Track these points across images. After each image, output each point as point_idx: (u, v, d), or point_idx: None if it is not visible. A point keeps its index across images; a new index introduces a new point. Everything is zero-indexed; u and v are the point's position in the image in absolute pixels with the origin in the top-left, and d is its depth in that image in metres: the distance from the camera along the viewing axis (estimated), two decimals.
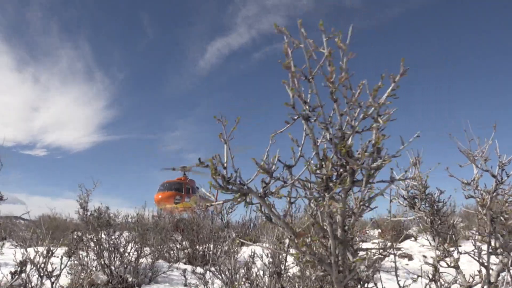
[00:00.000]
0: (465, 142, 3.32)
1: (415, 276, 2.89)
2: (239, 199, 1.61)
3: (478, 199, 2.85)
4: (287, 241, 4.47)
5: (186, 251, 9.17)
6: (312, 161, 1.78)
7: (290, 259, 4.57)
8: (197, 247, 9.05)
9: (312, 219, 1.83)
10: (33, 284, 3.75)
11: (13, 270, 3.45)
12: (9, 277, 3.52)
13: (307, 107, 1.75)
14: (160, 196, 19.26)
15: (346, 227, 1.72)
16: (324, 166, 1.71)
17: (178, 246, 9.25)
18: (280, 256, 4.34)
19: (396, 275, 2.59)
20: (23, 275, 3.50)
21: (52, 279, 4.04)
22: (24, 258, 3.53)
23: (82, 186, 7.31)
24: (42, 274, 3.73)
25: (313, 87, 1.77)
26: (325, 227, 1.76)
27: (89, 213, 7.57)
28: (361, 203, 1.73)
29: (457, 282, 2.90)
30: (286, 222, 1.76)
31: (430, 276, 2.70)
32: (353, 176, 1.67)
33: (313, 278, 4.02)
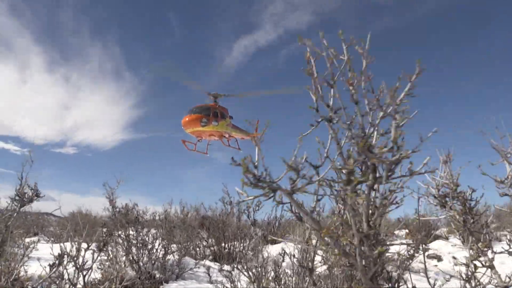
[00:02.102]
0: (497, 139, 3.24)
1: (447, 277, 2.84)
2: (269, 194, 1.69)
3: None
4: (314, 241, 4.46)
5: (212, 248, 9.26)
6: (336, 161, 1.87)
7: (317, 258, 4.54)
8: (223, 244, 9.12)
9: (339, 218, 1.90)
10: (69, 276, 3.88)
11: (51, 263, 3.58)
12: (47, 269, 3.65)
13: (330, 110, 1.87)
14: (187, 119, 19.01)
15: (371, 222, 1.79)
16: (346, 163, 1.80)
17: (204, 243, 9.35)
18: (308, 255, 4.33)
19: (427, 275, 2.56)
20: (60, 268, 3.62)
21: (84, 273, 4.16)
22: (61, 252, 3.66)
23: (106, 185, 7.48)
24: (78, 267, 3.85)
25: (335, 91, 1.91)
26: (349, 222, 1.84)
27: (117, 210, 7.73)
28: (383, 197, 1.82)
29: (492, 282, 2.83)
30: (313, 217, 1.83)
31: (464, 276, 2.65)
32: (374, 172, 1.75)
33: (341, 277, 4.00)
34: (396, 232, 14.06)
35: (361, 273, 1.80)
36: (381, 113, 1.82)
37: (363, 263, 1.79)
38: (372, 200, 1.83)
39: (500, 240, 10.43)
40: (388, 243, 1.88)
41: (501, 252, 2.89)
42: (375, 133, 1.86)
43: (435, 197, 3.27)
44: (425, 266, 2.53)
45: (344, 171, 1.77)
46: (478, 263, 2.74)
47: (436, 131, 1.90)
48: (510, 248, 2.78)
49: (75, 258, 3.89)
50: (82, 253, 4.13)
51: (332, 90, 1.92)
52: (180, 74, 21.78)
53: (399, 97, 1.80)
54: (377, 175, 1.77)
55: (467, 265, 2.64)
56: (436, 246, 10.67)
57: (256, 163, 1.68)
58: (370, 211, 1.82)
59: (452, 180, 3.22)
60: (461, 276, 2.67)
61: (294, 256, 4.47)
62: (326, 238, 1.82)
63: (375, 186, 1.83)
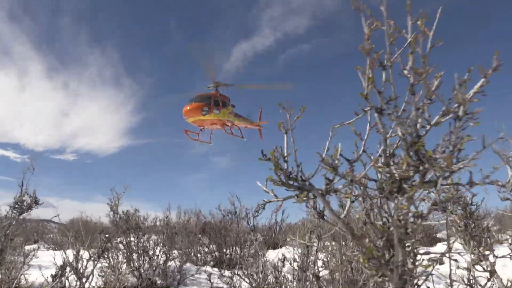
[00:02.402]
0: (499, 143, 3.23)
1: (448, 281, 2.83)
2: (303, 197, 1.49)
3: None
4: (314, 246, 4.44)
5: (213, 254, 9.23)
6: (379, 158, 1.63)
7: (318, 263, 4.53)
8: (224, 250, 9.09)
9: (366, 219, 1.71)
10: (70, 285, 3.86)
11: (53, 273, 3.57)
12: (49, 279, 3.63)
13: (381, 99, 1.58)
14: (188, 108, 18.59)
15: (410, 231, 1.58)
16: (392, 164, 1.57)
17: (206, 249, 9.32)
18: (309, 260, 4.32)
19: (432, 280, 2.54)
20: (62, 278, 3.61)
21: (84, 280, 4.15)
22: (64, 262, 3.65)
23: (113, 190, 7.45)
24: (80, 277, 3.84)
25: (390, 76, 1.62)
26: (380, 228, 1.63)
27: (118, 216, 7.71)
28: (433, 206, 1.59)
29: (494, 287, 2.81)
30: (346, 222, 1.63)
31: (465, 281, 2.64)
32: (424, 177, 1.54)
33: (343, 281, 3.98)
34: None
35: (395, 286, 1.58)
36: (443, 110, 1.55)
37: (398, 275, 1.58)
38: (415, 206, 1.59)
39: (501, 243, 10.41)
40: (425, 251, 1.67)
41: (502, 257, 2.88)
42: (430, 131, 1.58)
43: (436, 201, 3.26)
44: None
45: (393, 175, 1.54)
46: (479, 267, 2.74)
47: (502, 138, 1.69)
48: (511, 252, 2.77)
49: (75, 267, 3.88)
50: (84, 262, 4.12)
51: (385, 74, 1.63)
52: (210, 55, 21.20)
53: (469, 94, 1.51)
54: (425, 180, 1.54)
55: (468, 270, 2.63)
56: (437, 249, 10.63)
57: (286, 157, 1.51)
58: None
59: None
60: (463, 280, 2.66)
61: (294, 260, 4.45)
62: (360, 246, 1.59)
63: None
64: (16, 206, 5.37)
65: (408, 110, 1.61)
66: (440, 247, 10.56)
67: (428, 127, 1.57)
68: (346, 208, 1.71)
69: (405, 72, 1.60)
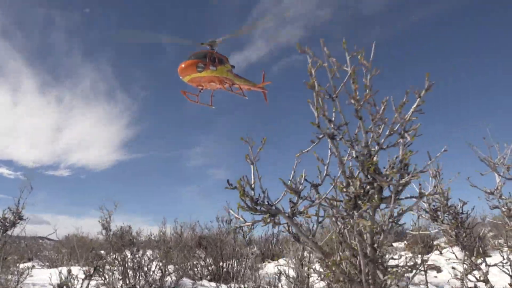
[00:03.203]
0: (485, 150, 3.23)
1: None
2: (268, 220, 1.59)
3: (504, 209, 2.77)
4: (310, 256, 4.42)
5: (209, 268, 9.15)
6: (338, 179, 1.77)
7: (314, 275, 4.50)
8: (221, 263, 9.02)
9: (339, 238, 1.80)
10: None
11: None
12: None
13: (332, 126, 1.75)
14: (182, 65, 17.54)
15: (376, 245, 1.68)
16: (351, 184, 1.69)
17: (202, 263, 9.24)
18: (303, 273, 4.30)
19: None
20: None
21: None
22: (60, 281, 3.60)
23: (103, 208, 7.40)
24: None
25: (338, 105, 1.78)
26: (353, 246, 1.73)
27: (111, 233, 7.65)
28: (390, 219, 1.70)
29: None
30: (315, 242, 1.73)
31: None
32: (381, 193, 1.66)
33: None
34: (395, 244, 13.98)
35: None
36: (388, 131, 1.73)
37: None
38: (376, 221, 1.71)
39: (497, 249, 10.38)
40: (394, 263, 1.76)
41: (494, 265, 2.87)
42: (380, 151, 1.75)
43: (426, 211, 3.25)
44: (426, 279, 2.52)
45: (349, 194, 1.68)
46: (472, 277, 2.73)
47: (446, 150, 1.83)
48: (503, 259, 2.77)
49: (70, 287, 3.84)
50: (79, 281, 4.07)
51: (334, 104, 1.79)
52: (149, 35, 20.58)
53: (408, 114, 1.70)
54: (382, 195, 1.67)
55: (461, 280, 2.62)
56: (435, 257, 10.60)
57: (253, 185, 1.60)
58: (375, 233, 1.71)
59: (442, 193, 3.20)
60: None
61: (288, 276, 4.44)
62: (330, 264, 1.69)
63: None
64: None
65: (360, 133, 1.76)
66: (436, 256, 10.54)
67: (377, 147, 1.72)
68: (314, 228, 1.82)
69: (351, 100, 1.76)
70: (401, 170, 1.62)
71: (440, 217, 3.13)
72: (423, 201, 3.33)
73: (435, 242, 12.31)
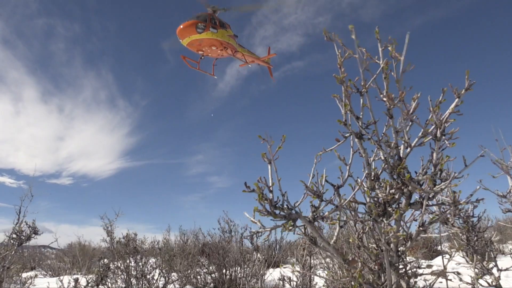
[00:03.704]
0: (497, 152, 3.18)
1: None
2: (289, 227, 1.47)
3: None
4: (310, 263, 4.38)
5: (213, 275, 9.08)
6: (363, 182, 1.65)
7: (318, 280, 4.47)
8: (224, 271, 8.95)
9: (359, 242, 1.70)
10: None
11: None
12: None
13: (360, 124, 1.62)
14: (181, 26, 16.37)
15: (400, 253, 1.58)
16: (377, 187, 1.58)
17: (205, 270, 9.17)
18: (306, 279, 4.26)
19: None
20: None
21: None
22: None
23: (104, 217, 7.39)
24: None
25: (367, 101, 1.64)
26: (374, 251, 1.63)
27: (115, 241, 7.62)
28: (421, 228, 1.58)
29: None
30: (336, 248, 1.62)
31: None
32: (410, 199, 1.55)
33: None
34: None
35: None
36: (421, 132, 1.59)
37: None
38: (405, 230, 1.60)
39: (503, 253, 10.32)
40: (419, 271, 1.66)
41: (506, 269, 2.83)
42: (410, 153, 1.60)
43: (436, 215, 3.20)
44: (431, 285, 2.49)
45: (376, 198, 1.56)
46: (483, 282, 2.69)
47: (483, 155, 1.70)
48: None
49: None
50: None
51: (362, 99, 1.65)
52: None
53: (444, 114, 1.54)
54: (412, 201, 1.56)
55: (472, 285, 2.58)
56: (439, 262, 10.53)
57: (271, 187, 1.48)
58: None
59: (453, 196, 3.14)
60: None
61: (292, 280, 4.40)
62: (356, 274, 1.57)
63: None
64: (15, 236, 5.29)
65: (389, 133, 1.63)
66: (440, 260, 10.47)
67: (408, 149, 1.59)
68: (336, 233, 1.69)
69: (381, 96, 1.62)
70: (435, 175, 1.51)
71: (450, 220, 3.07)
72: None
73: (439, 247, 12.23)
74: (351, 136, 1.68)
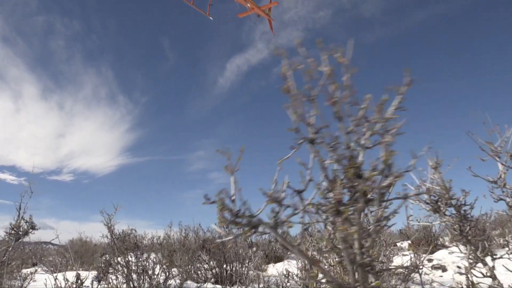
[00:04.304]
0: (485, 136, 3.14)
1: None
2: (248, 233, 1.54)
3: (509, 200, 2.71)
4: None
5: (213, 270, 9.12)
6: (321, 185, 1.71)
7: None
8: (224, 266, 8.99)
9: (330, 244, 1.76)
10: None
11: None
12: None
13: (311, 129, 1.70)
14: None
15: (364, 249, 1.64)
16: (332, 189, 1.65)
17: (206, 266, 9.21)
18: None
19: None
20: None
21: None
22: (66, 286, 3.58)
23: (104, 212, 7.41)
24: None
25: (316, 108, 1.72)
26: (337, 251, 1.70)
27: (116, 237, 7.64)
28: (377, 223, 1.67)
29: None
30: (300, 250, 1.68)
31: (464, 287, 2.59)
32: (365, 196, 1.60)
33: None
34: (399, 244, 13.90)
35: None
36: (369, 131, 1.66)
37: None
38: (363, 226, 1.67)
39: (503, 247, 10.30)
40: (384, 267, 1.71)
41: (500, 257, 2.82)
42: (362, 152, 1.68)
43: (426, 202, 3.16)
44: (431, 279, 2.49)
45: (331, 200, 1.64)
46: (477, 273, 2.68)
47: (430, 148, 1.78)
48: (510, 251, 2.72)
49: None
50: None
51: (312, 106, 1.72)
52: None
53: (388, 111, 1.64)
54: (368, 197, 1.62)
55: (466, 275, 2.58)
56: (440, 256, 10.53)
57: (233, 197, 1.54)
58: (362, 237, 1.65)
59: (443, 184, 3.11)
60: (462, 287, 2.61)
61: (297, 275, 4.41)
62: (317, 272, 1.66)
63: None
64: (13, 231, 5.33)
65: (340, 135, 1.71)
66: (442, 254, 10.48)
67: (359, 149, 1.67)
68: (299, 235, 1.75)
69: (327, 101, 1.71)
70: (383, 171, 1.58)
71: (442, 208, 3.05)
72: (424, 193, 3.23)
73: (441, 240, 12.24)
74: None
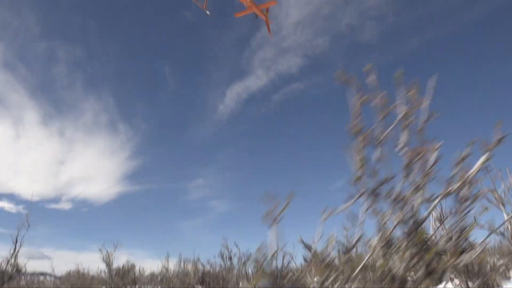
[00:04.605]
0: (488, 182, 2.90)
1: None
2: None
3: None
4: None
5: None
6: (376, 250, 1.41)
7: None
8: None
9: None
10: None
11: None
12: None
13: (375, 180, 1.38)
14: None
15: None
16: (391, 257, 1.37)
17: None
18: None
19: None
20: None
21: None
22: None
23: (102, 249, 7.31)
24: None
25: (384, 153, 1.41)
26: None
27: (114, 272, 7.50)
28: None
29: None
30: None
31: None
32: (428, 267, 1.33)
33: None
34: None
35: None
36: (444, 190, 1.34)
37: None
38: None
39: (509, 278, 10.07)
40: None
41: None
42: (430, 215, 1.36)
43: None
44: None
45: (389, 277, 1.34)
46: None
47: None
48: None
49: None
50: None
51: (378, 151, 1.41)
52: None
53: (472, 171, 1.28)
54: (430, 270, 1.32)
55: None
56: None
57: (274, 255, 1.32)
58: None
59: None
60: None
61: None
62: None
63: None
64: None
65: (403, 189, 1.41)
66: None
67: (427, 212, 1.37)
68: None
69: (400, 149, 1.42)
70: (459, 247, 1.30)
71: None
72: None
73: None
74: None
